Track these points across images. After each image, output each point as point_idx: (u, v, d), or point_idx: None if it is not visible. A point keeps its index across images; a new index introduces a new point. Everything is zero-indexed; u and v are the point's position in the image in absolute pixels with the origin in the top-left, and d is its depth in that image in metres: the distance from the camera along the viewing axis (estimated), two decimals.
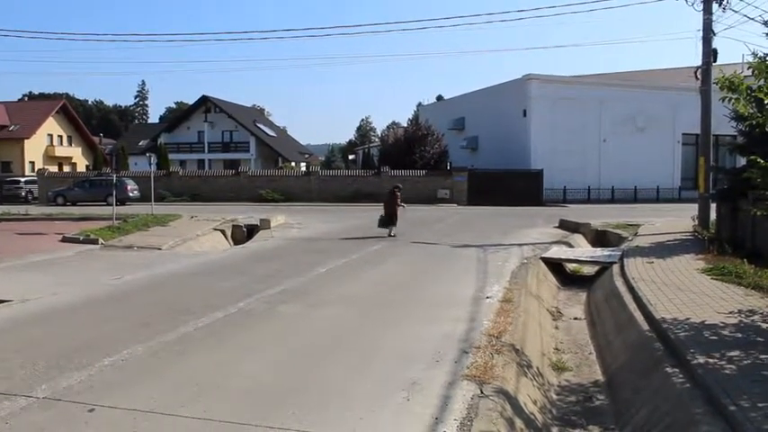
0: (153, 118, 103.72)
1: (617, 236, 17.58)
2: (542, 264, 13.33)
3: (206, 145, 59.63)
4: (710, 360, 5.68)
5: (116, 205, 21.49)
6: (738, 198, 13.39)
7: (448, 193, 36.91)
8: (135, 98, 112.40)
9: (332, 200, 36.57)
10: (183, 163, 54.56)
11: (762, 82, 6.84)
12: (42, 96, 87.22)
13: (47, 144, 55.27)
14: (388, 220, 18.16)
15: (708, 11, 16.11)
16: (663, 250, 13.42)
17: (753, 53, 7.52)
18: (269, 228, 20.39)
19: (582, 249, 16.35)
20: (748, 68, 7.02)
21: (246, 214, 24.00)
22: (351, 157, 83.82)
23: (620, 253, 13.45)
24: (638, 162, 38.76)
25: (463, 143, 45.53)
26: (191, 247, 16.83)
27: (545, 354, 7.60)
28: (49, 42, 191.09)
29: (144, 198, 31.02)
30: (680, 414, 4.94)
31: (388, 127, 57.88)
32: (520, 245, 15.91)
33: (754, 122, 7.19)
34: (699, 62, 16.57)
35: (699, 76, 16.57)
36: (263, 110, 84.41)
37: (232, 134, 60.29)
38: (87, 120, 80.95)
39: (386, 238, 17.29)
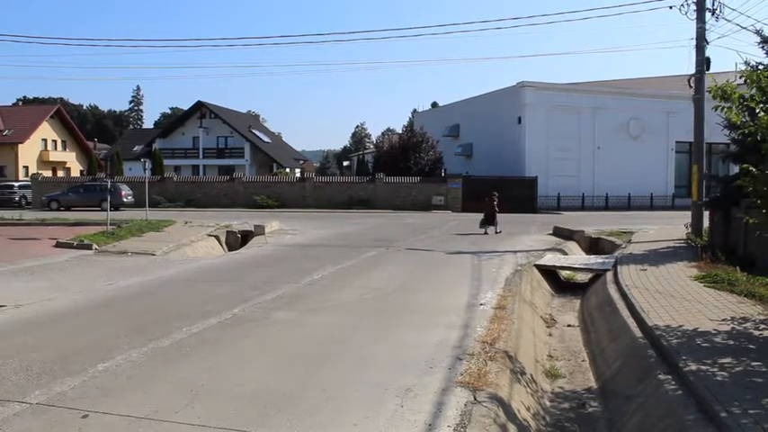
0: (148, 123, 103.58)
1: (611, 243, 17.66)
2: (536, 271, 13.36)
3: (201, 151, 59.59)
4: (702, 367, 5.71)
5: (110, 210, 21.41)
6: (731, 206, 13.48)
7: (442, 199, 37.01)
8: (130, 103, 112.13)
9: (326, 206, 36.59)
10: (177, 169, 54.58)
11: (754, 91, 6.91)
12: (37, 101, 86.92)
13: (41, 149, 55.18)
14: (486, 221, 21.33)
15: (701, 20, 16.27)
16: (656, 258, 13.49)
17: (745, 62, 7.61)
18: (263, 234, 20.41)
19: (576, 257, 16.40)
20: (740, 77, 7.09)
21: (241, 220, 23.99)
22: (345, 163, 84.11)
23: (613, 260, 13.51)
24: (631, 169, 39.01)
25: (458, 150, 45.68)
26: (185, 252, 16.80)
27: (538, 361, 7.62)
28: (43, 47, 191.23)
29: (138, 203, 30.99)
30: (672, 421, 4.97)
31: (382, 133, 58.00)
32: (514, 252, 15.96)
33: (746, 131, 7.24)
34: (692, 70, 16.71)
35: (692, 85, 16.71)
36: (258, 116, 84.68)
37: (227, 140, 60.27)
38: (82, 125, 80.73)
39: (381, 245, 17.31)
